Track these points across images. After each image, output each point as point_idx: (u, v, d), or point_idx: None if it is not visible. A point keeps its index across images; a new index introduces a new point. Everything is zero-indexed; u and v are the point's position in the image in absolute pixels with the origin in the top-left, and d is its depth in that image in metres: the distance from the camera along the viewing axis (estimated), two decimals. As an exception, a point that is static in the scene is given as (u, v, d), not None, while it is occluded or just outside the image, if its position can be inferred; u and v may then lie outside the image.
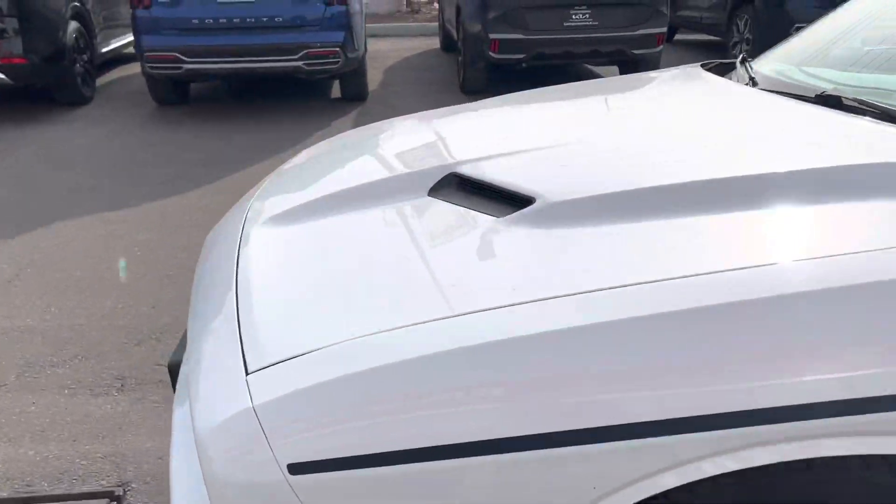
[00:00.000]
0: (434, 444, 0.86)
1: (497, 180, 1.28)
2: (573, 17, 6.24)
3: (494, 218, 1.18)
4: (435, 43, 10.15)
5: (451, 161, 1.42)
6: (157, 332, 2.81)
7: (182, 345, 1.47)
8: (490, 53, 6.41)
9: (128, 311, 2.98)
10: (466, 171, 1.36)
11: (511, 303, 0.94)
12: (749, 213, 1.08)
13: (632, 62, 6.81)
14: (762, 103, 1.59)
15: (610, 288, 0.93)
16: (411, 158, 1.54)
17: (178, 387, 1.32)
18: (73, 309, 3.00)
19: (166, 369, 1.74)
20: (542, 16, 6.24)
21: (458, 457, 0.86)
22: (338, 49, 5.97)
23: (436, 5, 12.33)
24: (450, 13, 8.12)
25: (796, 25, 7.03)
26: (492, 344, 0.88)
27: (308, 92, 7.32)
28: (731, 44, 8.05)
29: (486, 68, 6.82)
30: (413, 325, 0.94)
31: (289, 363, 0.94)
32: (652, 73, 2.21)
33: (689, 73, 2.04)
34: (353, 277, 1.12)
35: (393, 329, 0.94)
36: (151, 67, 5.95)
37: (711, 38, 8.83)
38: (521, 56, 6.41)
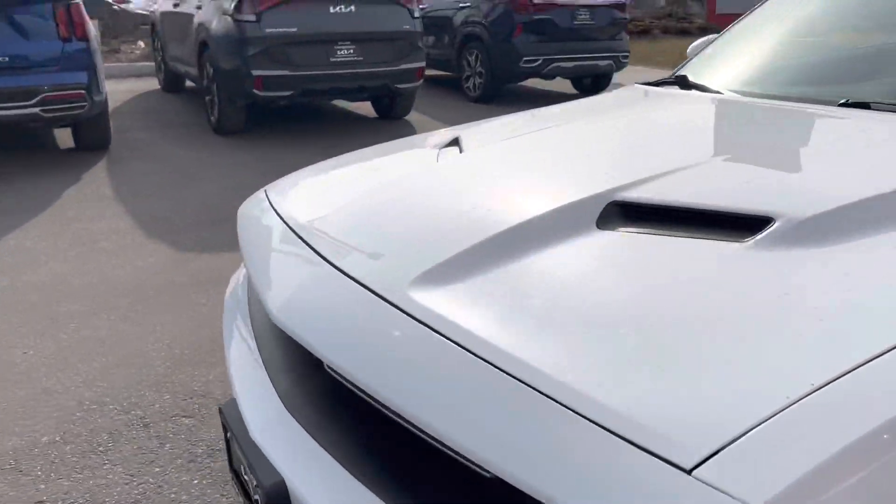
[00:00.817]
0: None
1: (702, 203, 1.16)
2: (338, 52, 6.15)
3: (737, 244, 1.07)
4: (153, 84, 9.29)
5: (596, 188, 1.26)
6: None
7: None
8: (254, 91, 6.03)
9: None
10: (633, 196, 1.22)
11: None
12: None
13: (390, 97, 6.92)
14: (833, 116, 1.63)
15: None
16: (529, 190, 1.35)
17: None
18: None
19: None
20: (308, 51, 6.05)
21: None
22: (83, 91, 5.15)
23: (141, 44, 11.33)
24: (182, 51, 7.50)
25: (524, 58, 7.74)
26: None
27: (26, 142, 6.21)
28: (463, 77, 8.59)
29: (245, 107, 6.41)
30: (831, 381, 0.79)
31: (742, 444, 0.73)
32: (614, 95, 2.22)
33: (673, 93, 2.08)
34: (667, 338, 0.91)
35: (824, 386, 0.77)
36: None
37: (442, 73, 9.32)
38: (288, 93, 6.14)
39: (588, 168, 1.43)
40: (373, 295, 1.14)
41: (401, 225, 1.34)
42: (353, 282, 1.19)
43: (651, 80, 2.37)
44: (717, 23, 15.28)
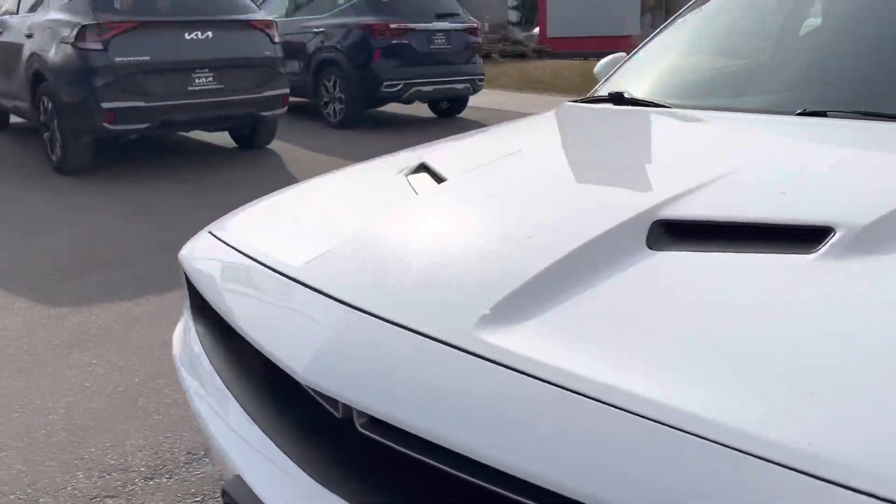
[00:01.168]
0: None
1: (751, 217, 1.13)
2: (196, 80, 5.78)
3: (806, 256, 1.05)
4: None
5: (631, 209, 1.20)
6: None
7: None
8: (104, 125, 5.53)
9: None
10: (677, 214, 1.18)
11: None
12: None
13: (252, 126, 6.62)
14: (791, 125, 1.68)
15: None
16: (558, 216, 1.26)
17: None
18: None
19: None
20: (163, 80, 5.64)
21: None
22: None
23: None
24: (7, 85, 6.77)
25: (385, 83, 7.73)
26: None
27: None
28: (322, 103, 8.40)
29: (92, 143, 5.87)
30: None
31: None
32: (563, 113, 2.18)
33: (631, 111, 2.07)
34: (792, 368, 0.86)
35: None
36: None
37: (298, 99, 9.08)
38: (144, 126, 5.68)
39: (606, 189, 1.37)
40: (433, 342, 1.01)
41: (425, 262, 1.21)
42: (399, 329, 1.05)
43: (581, 98, 2.38)
44: (550, 45, 16.12)
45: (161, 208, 5.04)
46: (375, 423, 1.09)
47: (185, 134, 7.33)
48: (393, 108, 9.07)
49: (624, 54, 2.90)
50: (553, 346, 0.94)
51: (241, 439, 1.27)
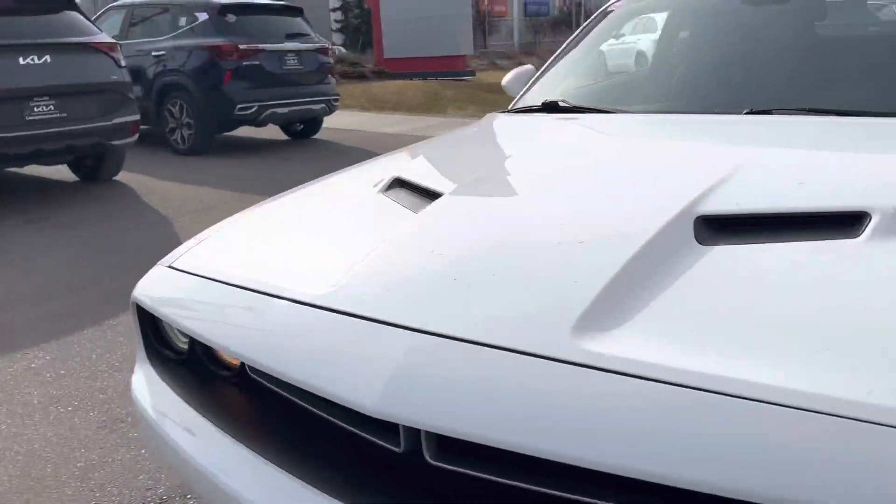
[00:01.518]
0: None
1: (787, 207, 1.18)
2: (35, 109, 5.24)
3: (851, 240, 1.10)
4: None
5: (670, 208, 1.21)
6: None
7: None
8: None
9: None
10: (716, 210, 1.20)
11: None
12: None
13: (97, 157, 6.12)
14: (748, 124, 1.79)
15: None
16: (593, 222, 1.24)
17: None
18: None
19: None
20: (-4, 110, 5.06)
21: None
22: None
23: None
24: None
25: (238, 106, 7.44)
26: None
27: None
28: (167, 130, 7.92)
29: None
30: None
31: None
32: (514, 124, 2.17)
33: (591, 117, 2.08)
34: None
35: None
36: None
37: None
38: (-25, 161, 5.07)
39: (631, 191, 1.38)
40: (530, 357, 0.96)
41: (481, 279, 1.14)
42: (487, 348, 0.99)
43: (515, 109, 2.40)
44: (387, 66, 16.26)
45: (12, 251, 4.50)
46: (445, 453, 1.02)
47: (17, 170, 6.62)
48: (243, 131, 8.73)
49: (531, 67, 2.97)
50: (663, 348, 0.93)
51: (263, 485, 1.14)
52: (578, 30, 2.78)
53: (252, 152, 8.07)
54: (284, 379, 1.13)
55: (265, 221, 1.67)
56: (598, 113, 2.10)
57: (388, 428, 1.08)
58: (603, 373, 0.91)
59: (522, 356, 0.97)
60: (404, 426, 1.03)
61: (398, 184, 1.66)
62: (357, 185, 1.78)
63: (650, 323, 0.98)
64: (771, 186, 1.30)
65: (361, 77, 16.03)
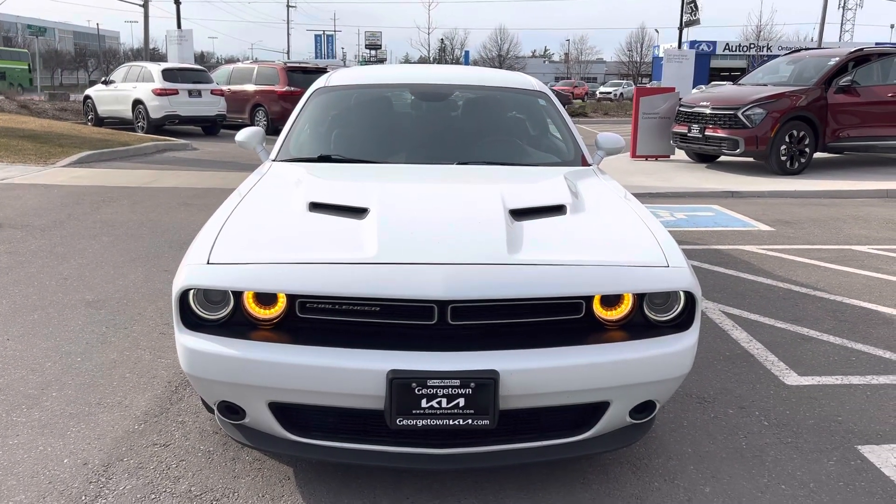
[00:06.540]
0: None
1: (537, 203, 2.76)
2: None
3: (561, 216, 2.69)
4: None
5: (497, 205, 2.67)
6: None
7: None
8: None
9: None
10: (519, 204, 2.72)
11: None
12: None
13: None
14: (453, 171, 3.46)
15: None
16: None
17: None
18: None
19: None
20: None
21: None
22: None
23: None
24: None
25: None
26: None
27: None
28: None
29: None
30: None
31: None
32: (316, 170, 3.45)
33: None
34: None
35: None
36: None
37: None
38: None
39: (467, 198, 2.89)
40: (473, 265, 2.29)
41: (442, 233, 2.52)
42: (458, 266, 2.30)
43: (288, 158, 3.56)
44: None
45: None
46: (459, 315, 2.23)
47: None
48: None
49: (260, 128, 4.07)
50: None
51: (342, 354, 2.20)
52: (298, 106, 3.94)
53: None
54: (364, 297, 2.17)
55: (261, 215, 2.70)
56: (365, 162, 3.52)
57: (420, 313, 2.19)
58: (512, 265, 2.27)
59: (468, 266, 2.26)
60: (438, 305, 2.17)
61: (317, 207, 2.67)
62: (283, 205, 2.84)
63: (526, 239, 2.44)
64: (518, 195, 2.90)
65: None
